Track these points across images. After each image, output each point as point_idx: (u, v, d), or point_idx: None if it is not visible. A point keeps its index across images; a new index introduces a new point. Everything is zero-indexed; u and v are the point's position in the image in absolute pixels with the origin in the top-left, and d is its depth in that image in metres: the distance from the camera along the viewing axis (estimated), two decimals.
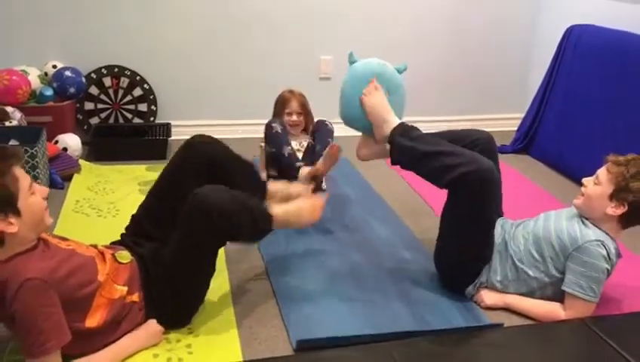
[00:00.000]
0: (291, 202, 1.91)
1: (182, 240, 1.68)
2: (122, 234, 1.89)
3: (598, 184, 1.86)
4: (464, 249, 1.94)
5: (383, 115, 2.00)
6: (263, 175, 2.75)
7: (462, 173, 1.78)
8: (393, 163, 2.04)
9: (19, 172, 1.46)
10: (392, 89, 2.10)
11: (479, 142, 2.07)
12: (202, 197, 1.65)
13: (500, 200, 2.13)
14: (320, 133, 2.66)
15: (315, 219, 1.92)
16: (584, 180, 1.93)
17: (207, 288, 1.80)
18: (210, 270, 1.77)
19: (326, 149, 2.45)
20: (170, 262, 1.69)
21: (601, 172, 1.88)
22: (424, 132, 2.03)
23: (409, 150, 1.92)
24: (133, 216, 1.92)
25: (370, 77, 2.08)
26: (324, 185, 2.78)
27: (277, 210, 1.83)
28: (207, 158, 1.93)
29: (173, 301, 1.73)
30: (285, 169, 2.59)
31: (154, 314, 1.71)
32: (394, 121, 1.99)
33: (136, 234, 1.86)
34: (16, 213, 1.43)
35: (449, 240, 1.99)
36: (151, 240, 1.82)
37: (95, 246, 1.71)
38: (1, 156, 1.44)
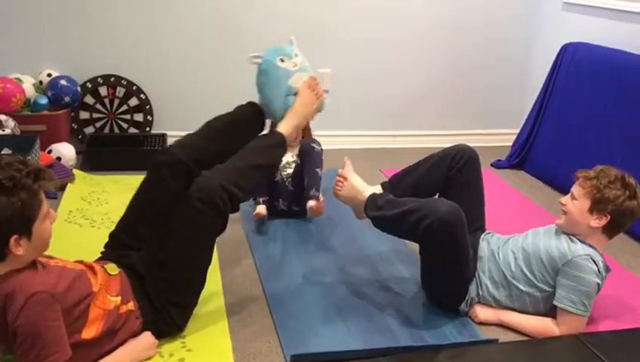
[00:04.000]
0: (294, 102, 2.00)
1: (186, 228, 1.72)
2: (103, 252, 1.86)
3: (575, 200, 1.90)
4: (446, 283, 1.98)
5: (357, 198, 2.08)
6: None
7: (426, 225, 1.81)
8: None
9: (43, 195, 1.45)
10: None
11: (462, 155, 2.14)
12: (207, 186, 1.71)
13: (482, 214, 2.17)
14: (308, 158, 2.61)
15: (319, 102, 2.04)
16: (562, 200, 1.96)
17: (203, 285, 1.81)
18: (210, 255, 1.80)
19: (310, 204, 2.50)
20: (171, 253, 1.72)
21: (575, 189, 1.92)
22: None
23: (380, 220, 2.00)
24: (111, 233, 1.88)
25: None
26: (321, 199, 2.77)
27: (284, 126, 1.96)
28: (186, 164, 1.85)
29: (171, 299, 1.72)
30: (274, 194, 2.59)
31: (152, 319, 1.69)
32: (364, 199, 2.05)
33: (119, 249, 1.83)
34: (29, 236, 1.42)
35: (430, 276, 2.02)
36: (137, 249, 1.81)
37: (81, 262, 1.70)
38: (37, 176, 1.41)
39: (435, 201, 1.93)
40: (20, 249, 1.40)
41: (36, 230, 1.43)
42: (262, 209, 2.56)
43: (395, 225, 1.95)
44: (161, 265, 1.73)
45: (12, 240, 1.38)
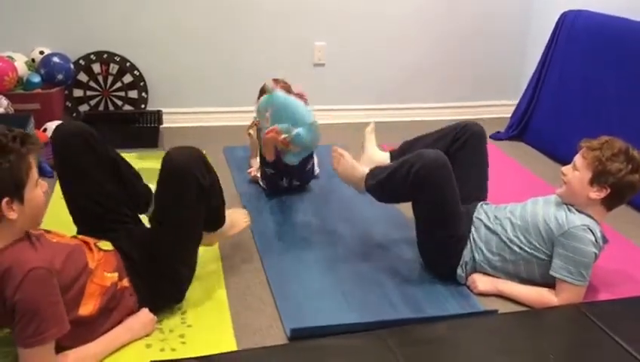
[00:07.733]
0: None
1: (163, 206, 1.72)
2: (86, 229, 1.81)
3: (577, 171, 1.88)
4: (438, 235, 1.98)
5: (355, 176, 2.12)
6: (254, 162, 2.73)
7: (413, 173, 1.88)
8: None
9: (33, 161, 1.45)
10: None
11: (468, 128, 2.18)
12: (176, 158, 1.69)
13: (484, 187, 2.18)
14: None
15: (245, 226, 2.10)
16: (563, 169, 1.94)
17: (196, 257, 1.80)
18: (196, 233, 1.79)
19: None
20: (153, 233, 1.73)
21: (577, 158, 1.90)
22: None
23: (377, 187, 2.05)
24: (75, 221, 1.83)
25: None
26: (317, 170, 2.76)
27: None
28: (80, 137, 1.88)
29: (163, 276, 1.71)
30: (282, 173, 2.55)
31: (146, 296, 1.69)
32: (363, 176, 2.09)
33: (95, 231, 1.77)
34: (21, 200, 1.41)
35: (423, 232, 2.04)
36: (123, 223, 1.80)
37: (76, 237, 1.69)
38: (23, 140, 1.42)
39: (421, 150, 1.98)
40: (12, 213, 1.39)
41: (28, 196, 1.43)
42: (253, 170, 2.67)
43: (389, 183, 1.98)
44: (149, 244, 1.71)
45: (3, 202, 1.37)
